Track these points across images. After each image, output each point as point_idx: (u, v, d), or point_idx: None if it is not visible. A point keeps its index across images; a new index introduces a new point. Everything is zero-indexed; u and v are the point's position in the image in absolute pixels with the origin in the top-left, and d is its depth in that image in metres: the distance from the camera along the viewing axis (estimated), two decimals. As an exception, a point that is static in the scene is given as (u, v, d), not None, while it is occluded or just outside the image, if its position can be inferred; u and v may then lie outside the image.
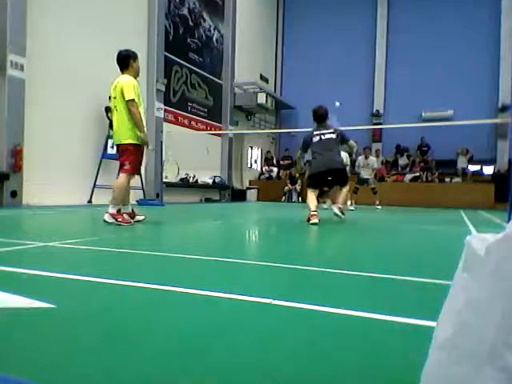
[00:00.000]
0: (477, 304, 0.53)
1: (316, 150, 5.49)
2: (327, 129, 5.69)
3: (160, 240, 3.55)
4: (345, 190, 5.63)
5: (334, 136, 5.57)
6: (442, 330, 0.58)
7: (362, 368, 0.92)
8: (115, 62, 4.24)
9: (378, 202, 10.32)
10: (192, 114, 12.42)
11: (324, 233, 4.47)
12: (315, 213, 4.99)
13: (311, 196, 5.36)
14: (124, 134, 4.08)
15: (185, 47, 12.03)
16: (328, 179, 5.44)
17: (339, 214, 5.33)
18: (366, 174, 10.32)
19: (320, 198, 10.82)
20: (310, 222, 4.99)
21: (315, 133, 5.55)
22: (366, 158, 10.38)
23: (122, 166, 4.19)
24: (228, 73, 13.98)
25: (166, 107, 11.05)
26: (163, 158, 9.33)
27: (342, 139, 5.71)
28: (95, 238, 3.18)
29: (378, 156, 15.29)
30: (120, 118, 4.09)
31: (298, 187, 14.35)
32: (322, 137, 5.52)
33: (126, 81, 4.08)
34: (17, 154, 6.69)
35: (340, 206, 5.46)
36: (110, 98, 4.34)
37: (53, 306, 1.28)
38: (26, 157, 6.87)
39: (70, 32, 7.98)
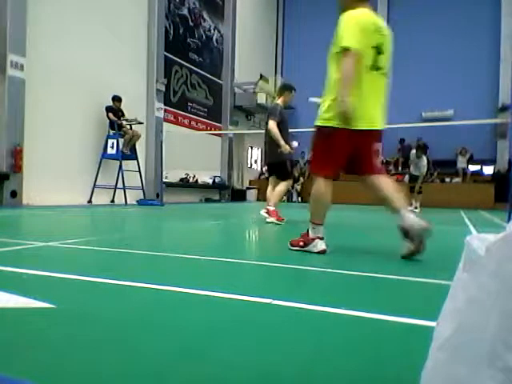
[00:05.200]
0: (477, 304, 0.53)
1: (284, 132, 5.02)
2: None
3: (160, 240, 3.55)
4: (279, 188, 5.09)
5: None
6: (442, 329, 0.58)
7: (362, 368, 0.92)
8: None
9: (417, 204, 9.69)
10: (192, 114, 12.43)
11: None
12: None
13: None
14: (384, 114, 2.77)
15: (185, 47, 12.03)
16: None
17: (265, 215, 5.00)
18: (415, 171, 9.76)
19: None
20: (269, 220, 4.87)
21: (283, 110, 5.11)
22: (418, 157, 9.74)
23: (376, 164, 2.84)
24: (228, 73, 13.98)
25: (166, 107, 11.06)
26: (163, 158, 9.33)
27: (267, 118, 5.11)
28: (95, 238, 3.18)
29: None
30: (384, 89, 2.70)
31: (298, 187, 14.35)
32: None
33: None
34: (17, 154, 6.69)
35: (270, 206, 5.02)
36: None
37: (53, 306, 1.28)
38: (25, 157, 6.87)
39: (70, 32, 7.98)
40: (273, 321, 1.24)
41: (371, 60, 2.50)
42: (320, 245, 2.55)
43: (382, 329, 1.20)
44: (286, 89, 5.36)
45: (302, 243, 2.64)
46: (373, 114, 2.59)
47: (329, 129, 2.52)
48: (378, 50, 2.51)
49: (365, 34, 2.45)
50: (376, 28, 2.51)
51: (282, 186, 5.11)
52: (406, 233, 2.38)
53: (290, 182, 5.38)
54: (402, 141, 15.10)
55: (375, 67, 2.53)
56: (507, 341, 0.49)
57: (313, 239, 2.58)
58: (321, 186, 2.59)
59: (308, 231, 2.64)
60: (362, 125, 2.51)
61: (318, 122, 2.60)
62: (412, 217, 2.38)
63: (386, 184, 2.64)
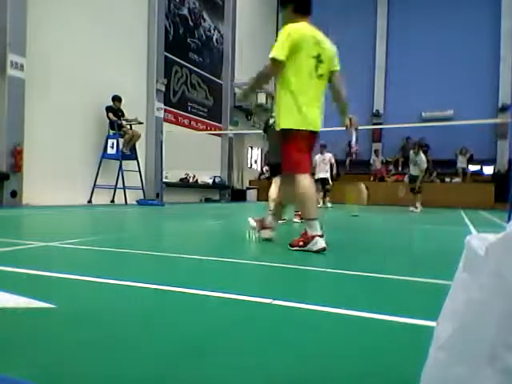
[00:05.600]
0: (477, 304, 0.53)
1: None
2: None
3: (160, 240, 3.55)
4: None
5: None
6: (442, 330, 0.58)
7: (362, 368, 0.92)
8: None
9: (417, 204, 9.72)
10: (192, 114, 12.43)
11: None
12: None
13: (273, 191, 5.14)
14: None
15: (185, 47, 12.03)
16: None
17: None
18: (414, 171, 9.78)
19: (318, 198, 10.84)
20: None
21: None
22: (416, 154, 9.75)
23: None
24: (228, 73, 13.98)
25: (166, 107, 11.05)
26: (163, 158, 9.33)
27: None
28: (95, 238, 3.18)
29: (377, 156, 15.30)
30: (323, 94, 2.96)
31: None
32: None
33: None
34: (17, 154, 6.69)
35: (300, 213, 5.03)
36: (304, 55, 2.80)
37: (53, 306, 1.28)
38: (25, 157, 6.87)
39: (70, 32, 7.98)
40: (273, 321, 1.24)
41: (313, 68, 2.77)
42: (320, 243, 2.58)
43: (382, 329, 1.20)
44: None
45: (301, 243, 2.67)
46: (316, 118, 2.83)
47: (292, 131, 2.76)
48: (319, 59, 2.78)
49: (303, 45, 2.71)
50: (315, 40, 2.78)
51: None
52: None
53: None
54: (407, 139, 15.05)
55: (317, 74, 2.80)
56: (507, 341, 0.49)
57: (312, 237, 2.61)
58: (304, 183, 2.71)
59: (306, 230, 2.67)
60: (312, 127, 2.80)
61: (282, 126, 2.81)
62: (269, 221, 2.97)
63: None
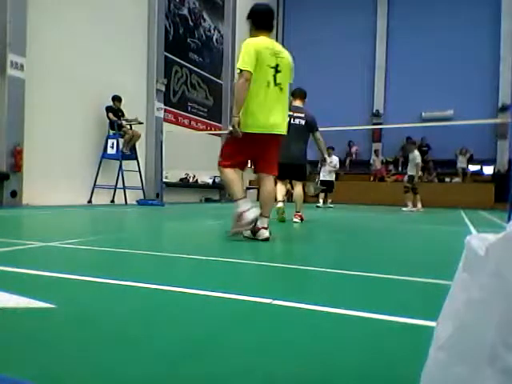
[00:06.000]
0: (477, 304, 0.53)
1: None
2: (299, 112, 5.20)
3: (160, 240, 3.55)
4: (300, 193, 5.37)
5: (303, 122, 5.14)
6: (442, 330, 0.58)
7: (361, 368, 0.92)
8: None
9: (413, 204, 9.74)
10: (192, 114, 12.43)
11: (323, 232, 4.47)
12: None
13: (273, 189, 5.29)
14: (285, 121, 3.31)
15: (185, 47, 12.03)
16: (287, 172, 5.08)
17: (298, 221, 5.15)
18: (410, 170, 9.79)
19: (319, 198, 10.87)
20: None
21: (289, 112, 5.22)
22: (410, 152, 9.84)
23: (273, 164, 3.38)
24: (228, 73, 13.98)
25: (166, 107, 11.05)
26: (163, 158, 9.33)
27: (312, 128, 5.22)
28: (95, 238, 3.18)
29: (377, 156, 15.31)
30: (284, 100, 3.25)
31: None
32: (292, 121, 5.01)
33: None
34: (17, 154, 6.69)
35: (300, 214, 5.22)
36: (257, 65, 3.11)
37: (53, 306, 1.28)
38: (25, 157, 6.87)
39: (70, 32, 7.98)
40: (273, 321, 1.24)
41: (271, 77, 3.09)
42: (248, 215, 2.96)
43: (382, 329, 1.20)
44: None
45: (237, 222, 3.03)
46: (273, 121, 3.12)
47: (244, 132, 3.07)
48: (277, 69, 3.10)
49: (261, 56, 3.04)
50: (273, 52, 3.11)
51: (301, 187, 5.49)
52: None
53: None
54: (407, 138, 15.01)
55: (275, 83, 3.11)
56: (507, 341, 0.49)
57: (240, 213, 2.99)
58: (226, 174, 3.19)
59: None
60: (263, 130, 3.08)
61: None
62: (251, 217, 3.01)
63: (268, 186, 3.27)
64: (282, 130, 3.21)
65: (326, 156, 5.87)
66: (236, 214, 3.02)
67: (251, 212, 2.96)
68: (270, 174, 3.31)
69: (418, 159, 9.61)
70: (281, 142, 3.30)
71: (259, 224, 3.09)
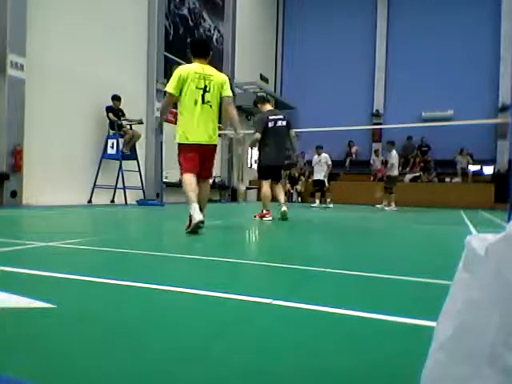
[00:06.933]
0: (477, 304, 0.53)
1: (269, 140, 5.39)
2: (278, 114, 5.61)
3: (160, 240, 3.55)
4: (281, 186, 5.75)
5: (284, 123, 5.49)
6: (442, 330, 0.58)
7: (361, 368, 0.92)
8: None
9: (392, 203, 9.99)
10: (192, 114, 12.40)
11: (323, 232, 4.47)
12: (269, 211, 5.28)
13: (268, 190, 5.42)
14: (217, 133, 3.88)
15: (185, 47, 12.01)
16: (273, 173, 5.50)
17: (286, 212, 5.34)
18: (391, 171, 9.95)
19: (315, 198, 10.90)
20: (265, 219, 5.12)
21: (270, 117, 5.45)
22: (389, 151, 10.00)
23: (209, 169, 3.98)
24: (228, 73, 13.96)
25: (166, 107, 11.03)
26: (163, 158, 9.32)
27: (290, 126, 5.60)
28: (95, 238, 3.18)
29: (377, 156, 15.31)
30: (214, 116, 3.82)
31: (298, 187, 14.35)
32: (276, 123, 5.39)
33: (225, 76, 3.89)
34: (17, 154, 6.68)
35: (286, 203, 5.53)
36: (188, 86, 3.69)
37: (53, 306, 1.28)
38: (25, 157, 6.87)
39: (70, 32, 7.97)
40: (273, 321, 1.24)
41: (199, 97, 3.67)
42: (194, 218, 3.43)
43: (382, 329, 1.20)
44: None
45: (190, 222, 3.47)
46: (199, 134, 3.70)
47: (179, 144, 3.77)
48: (205, 90, 3.69)
49: (188, 80, 3.63)
50: (202, 75, 3.69)
51: (282, 188, 5.74)
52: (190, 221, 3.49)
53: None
54: (408, 138, 15.05)
55: (204, 101, 3.69)
56: (507, 341, 0.49)
57: (190, 215, 3.48)
58: (185, 179, 3.69)
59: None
60: (193, 141, 3.68)
61: (176, 140, 3.81)
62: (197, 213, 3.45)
63: (202, 188, 3.85)
64: (212, 141, 3.78)
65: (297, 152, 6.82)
66: (189, 215, 3.51)
67: (198, 214, 3.45)
68: (205, 179, 3.93)
69: (393, 160, 9.86)
70: (213, 152, 3.87)
71: (200, 217, 3.51)
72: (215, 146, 3.86)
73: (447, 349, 0.55)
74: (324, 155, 10.54)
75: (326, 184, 10.60)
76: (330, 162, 10.58)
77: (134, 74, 9.85)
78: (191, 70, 3.69)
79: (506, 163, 13.91)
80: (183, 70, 3.70)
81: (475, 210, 10.25)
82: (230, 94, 3.86)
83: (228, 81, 3.88)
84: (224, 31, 13.93)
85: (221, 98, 3.80)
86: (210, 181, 4.41)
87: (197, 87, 3.66)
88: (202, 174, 3.86)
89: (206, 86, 3.68)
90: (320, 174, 10.54)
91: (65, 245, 2.62)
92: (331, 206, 10.66)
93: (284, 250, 3.05)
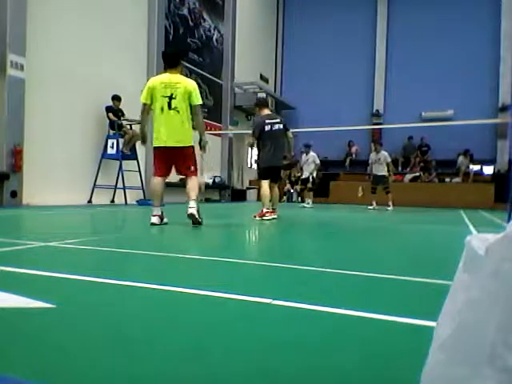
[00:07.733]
0: (477, 304, 0.53)
1: (266, 142, 5.56)
2: (275, 118, 5.81)
3: (160, 240, 3.55)
4: (277, 190, 5.89)
5: (281, 126, 5.66)
6: (442, 330, 0.58)
7: (361, 368, 0.92)
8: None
9: (390, 203, 9.93)
10: (192, 114, 12.40)
11: (323, 232, 4.47)
12: (270, 209, 5.37)
13: (267, 189, 5.52)
14: (188, 136, 4.18)
15: (185, 47, 12.02)
16: (272, 173, 5.69)
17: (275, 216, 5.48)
18: (380, 170, 9.90)
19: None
20: (266, 218, 5.16)
21: (267, 121, 5.61)
22: (377, 152, 9.99)
23: (188, 168, 4.29)
24: (228, 73, 13.97)
25: (166, 107, 11.02)
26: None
27: (287, 128, 5.78)
28: (95, 238, 3.18)
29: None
30: (181, 120, 4.10)
31: (298, 188, 14.35)
32: (273, 127, 5.58)
33: (194, 84, 4.17)
34: (17, 154, 6.68)
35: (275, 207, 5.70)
36: (152, 95, 4.12)
37: (53, 306, 1.28)
38: (25, 157, 6.87)
39: (70, 32, 7.97)
40: (273, 321, 1.24)
41: (165, 104, 4.03)
42: (153, 219, 4.08)
43: (382, 328, 1.20)
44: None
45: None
46: (169, 137, 4.08)
47: (154, 147, 4.19)
48: (172, 97, 4.02)
49: (155, 90, 4.04)
50: (168, 84, 4.04)
51: (277, 190, 5.90)
52: (188, 215, 4.03)
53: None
54: (409, 138, 15.08)
55: (171, 108, 4.04)
56: (507, 341, 0.49)
57: (154, 215, 4.10)
58: (153, 182, 4.27)
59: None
60: (165, 143, 4.08)
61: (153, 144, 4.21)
62: (192, 207, 4.05)
63: (189, 183, 4.27)
64: (180, 144, 4.11)
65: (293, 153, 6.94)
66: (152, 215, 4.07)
67: (156, 219, 4.09)
68: (189, 175, 4.24)
69: (389, 159, 9.94)
70: (184, 153, 4.16)
71: (153, 220, 4.09)
72: (186, 147, 4.17)
73: (447, 348, 0.55)
74: (312, 154, 10.59)
75: (310, 181, 10.59)
76: (317, 161, 10.60)
77: (134, 73, 9.84)
78: (158, 81, 4.10)
79: (506, 163, 13.91)
80: (151, 81, 4.16)
81: (475, 210, 10.25)
82: (198, 101, 4.14)
83: (197, 88, 4.17)
84: (224, 31, 13.92)
85: (191, 106, 4.12)
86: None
87: (163, 96, 4.02)
88: (182, 172, 4.31)
89: (172, 94, 4.02)
90: (305, 173, 10.61)
91: (65, 245, 2.62)
92: (308, 205, 10.41)
93: (284, 250, 3.06)
